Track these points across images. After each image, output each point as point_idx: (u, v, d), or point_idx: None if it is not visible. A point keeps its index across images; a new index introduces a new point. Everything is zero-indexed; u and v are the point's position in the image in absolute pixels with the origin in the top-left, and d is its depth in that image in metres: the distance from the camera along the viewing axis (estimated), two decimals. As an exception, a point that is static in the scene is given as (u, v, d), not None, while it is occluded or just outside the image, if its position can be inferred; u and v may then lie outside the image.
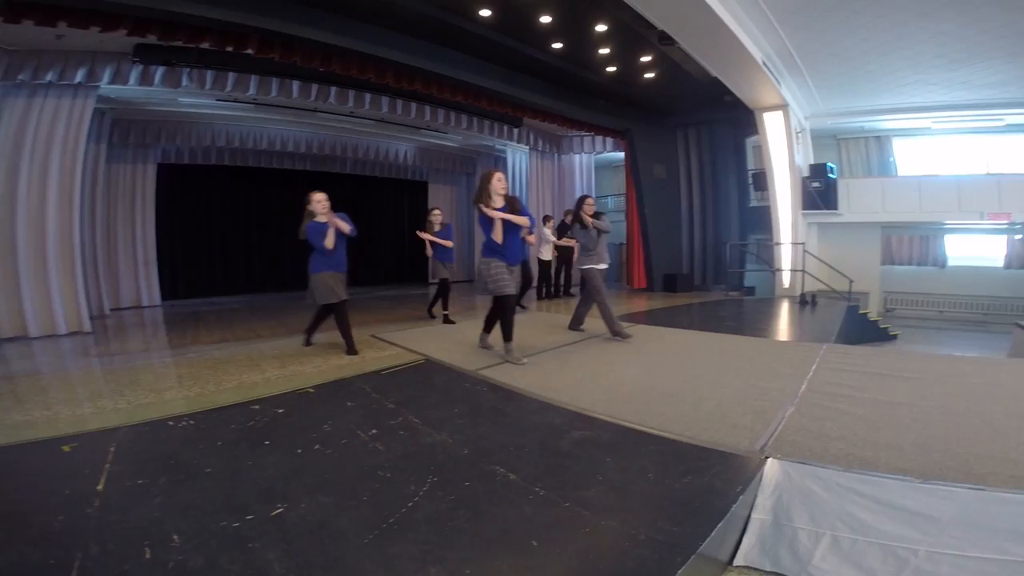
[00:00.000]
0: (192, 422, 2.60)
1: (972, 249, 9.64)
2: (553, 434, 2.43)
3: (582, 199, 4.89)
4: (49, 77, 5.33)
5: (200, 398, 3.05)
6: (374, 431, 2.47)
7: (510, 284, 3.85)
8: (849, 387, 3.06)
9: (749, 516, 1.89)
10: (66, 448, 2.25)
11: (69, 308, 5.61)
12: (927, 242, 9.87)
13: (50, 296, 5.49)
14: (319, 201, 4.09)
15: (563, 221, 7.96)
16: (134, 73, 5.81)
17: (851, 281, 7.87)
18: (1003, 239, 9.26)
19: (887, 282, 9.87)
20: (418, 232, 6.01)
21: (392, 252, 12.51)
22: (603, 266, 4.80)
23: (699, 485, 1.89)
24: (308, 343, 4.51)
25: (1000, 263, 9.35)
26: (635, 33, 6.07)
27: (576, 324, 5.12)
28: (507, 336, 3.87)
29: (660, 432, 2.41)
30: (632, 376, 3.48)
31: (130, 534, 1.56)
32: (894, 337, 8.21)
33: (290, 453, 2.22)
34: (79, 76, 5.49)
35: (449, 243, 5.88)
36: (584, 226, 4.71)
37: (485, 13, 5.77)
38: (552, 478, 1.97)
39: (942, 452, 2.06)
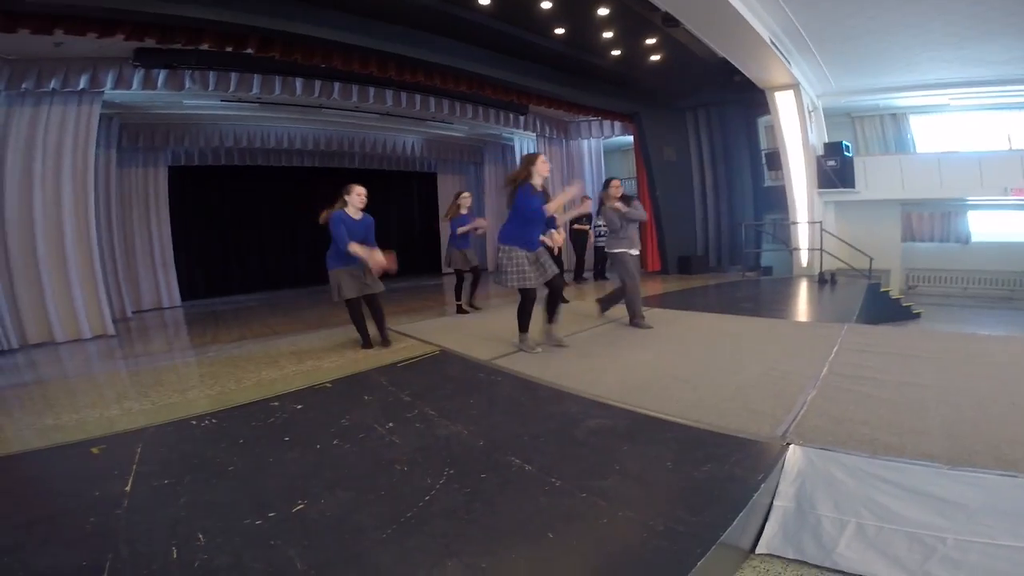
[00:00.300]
0: (214, 420, 2.64)
1: (996, 225, 9.33)
2: (568, 423, 2.42)
3: (608, 182, 4.69)
4: (52, 85, 5.37)
5: (221, 396, 3.10)
6: (391, 424, 2.48)
7: (531, 276, 3.69)
8: (872, 369, 2.99)
9: (771, 504, 1.86)
10: (95, 450, 2.31)
11: (92, 313, 5.73)
12: (949, 219, 9.56)
13: (73, 302, 5.60)
14: (359, 194, 3.99)
15: None
16: (136, 77, 5.82)
17: (871, 259, 7.69)
18: (1029, 213, 8.94)
19: (908, 259, 9.62)
20: (475, 220, 5.85)
21: (403, 244, 12.53)
22: (635, 251, 4.57)
23: (719, 473, 1.86)
24: (385, 342, 4.25)
25: (1026, 238, 9.05)
26: (638, 15, 5.92)
27: (605, 306, 4.93)
28: (523, 327, 3.85)
29: (678, 419, 2.38)
30: (648, 361, 3.45)
31: (158, 534, 1.60)
32: (917, 315, 8.04)
33: (310, 449, 2.24)
34: (82, 83, 5.52)
35: (483, 222, 5.78)
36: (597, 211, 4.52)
37: (484, 1, 5.68)
38: (568, 468, 1.96)
39: (970, 436, 2.00)
